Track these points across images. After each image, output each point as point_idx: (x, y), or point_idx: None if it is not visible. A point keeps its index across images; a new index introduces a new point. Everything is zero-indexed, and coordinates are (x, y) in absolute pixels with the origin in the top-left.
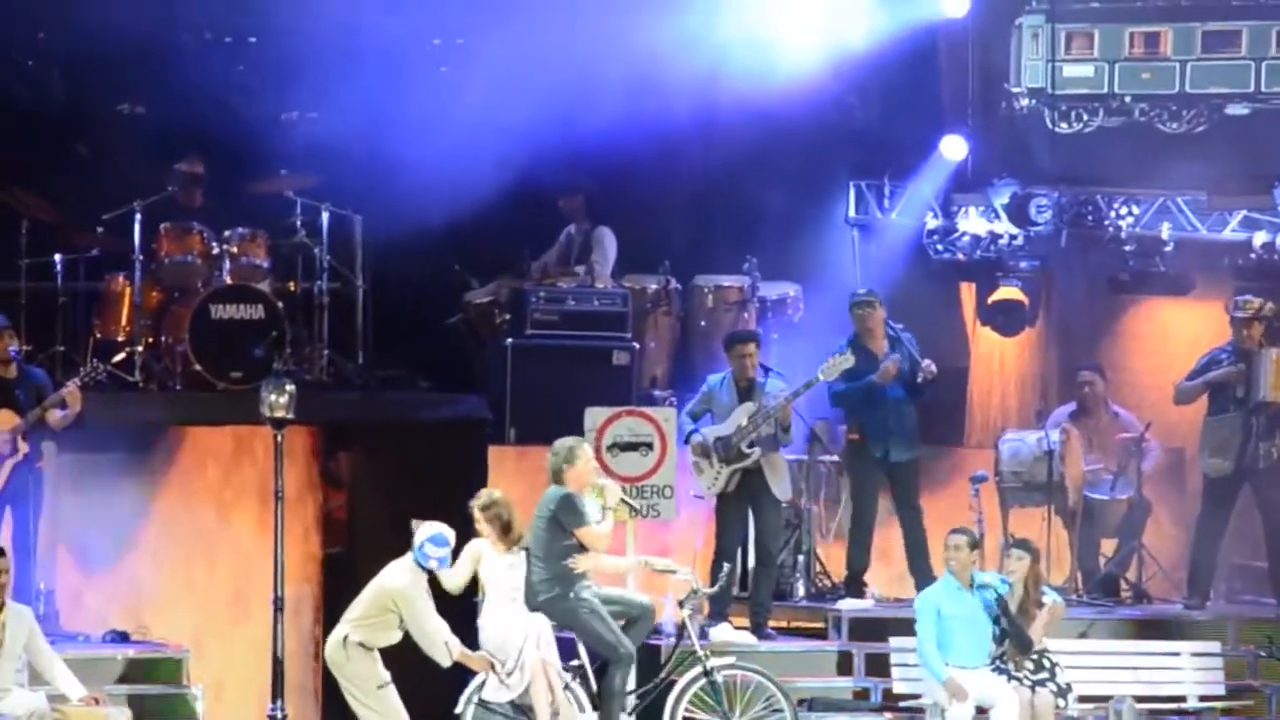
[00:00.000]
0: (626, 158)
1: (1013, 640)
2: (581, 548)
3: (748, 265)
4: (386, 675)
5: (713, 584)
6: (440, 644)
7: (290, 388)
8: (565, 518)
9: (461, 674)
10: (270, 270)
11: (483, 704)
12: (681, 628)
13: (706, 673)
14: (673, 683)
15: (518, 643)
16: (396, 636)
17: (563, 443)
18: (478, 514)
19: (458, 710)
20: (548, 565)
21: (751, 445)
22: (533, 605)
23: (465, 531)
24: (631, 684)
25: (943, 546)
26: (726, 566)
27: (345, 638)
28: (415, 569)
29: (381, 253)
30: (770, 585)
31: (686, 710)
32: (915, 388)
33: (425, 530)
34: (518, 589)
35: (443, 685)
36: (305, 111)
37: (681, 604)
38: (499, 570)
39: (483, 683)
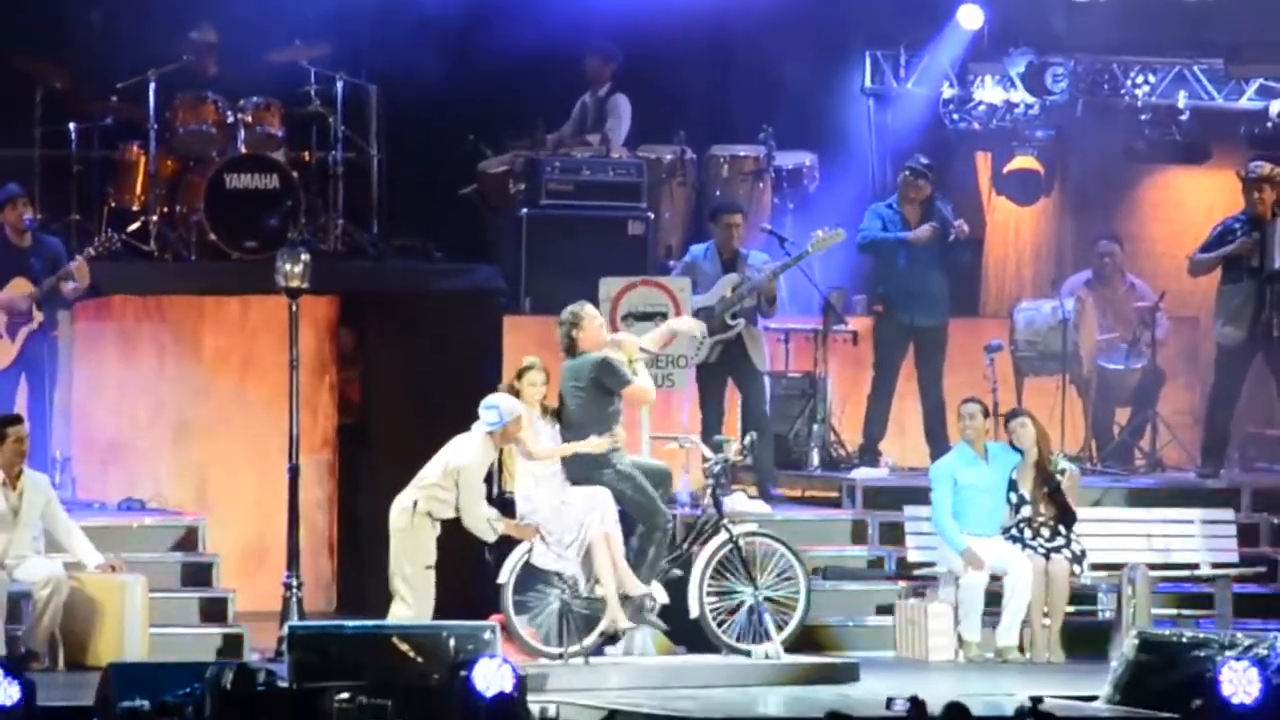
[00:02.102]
0: (643, 26)
1: (1061, 517)
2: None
3: (763, 135)
4: (434, 558)
5: (744, 454)
6: (484, 523)
7: (305, 257)
8: (610, 380)
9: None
10: (285, 140)
11: (529, 569)
12: (703, 496)
13: (732, 540)
14: (694, 553)
15: (579, 517)
16: (451, 512)
17: (571, 309)
18: (522, 380)
19: (501, 580)
20: (594, 434)
21: (735, 317)
22: (578, 478)
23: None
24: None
25: (957, 416)
26: (753, 435)
27: (415, 504)
28: (485, 441)
29: (396, 122)
30: (770, 451)
31: (710, 578)
32: (948, 251)
33: (489, 398)
34: (559, 460)
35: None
36: None
37: (707, 474)
38: (545, 440)
39: (529, 550)
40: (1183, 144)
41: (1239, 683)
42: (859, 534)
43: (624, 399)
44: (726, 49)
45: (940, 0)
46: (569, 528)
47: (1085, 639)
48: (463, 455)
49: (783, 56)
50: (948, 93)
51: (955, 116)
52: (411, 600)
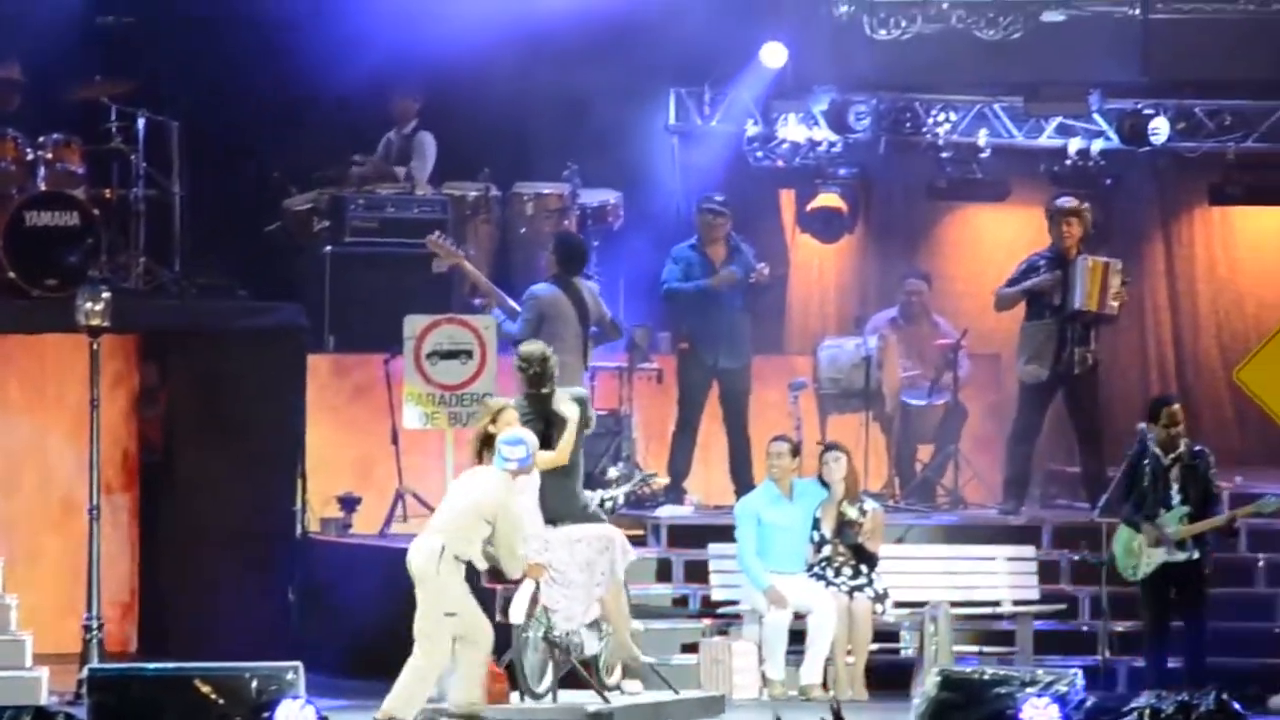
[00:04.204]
0: (448, 64)
1: (853, 554)
2: None
3: (568, 172)
4: (462, 601)
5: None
6: (520, 556)
7: (106, 295)
8: (587, 414)
9: None
10: (86, 177)
11: (551, 640)
12: None
13: None
14: None
15: (590, 556)
16: (478, 551)
17: (538, 348)
18: (499, 421)
19: (516, 620)
20: (579, 474)
21: None
22: (566, 516)
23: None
24: None
25: (764, 454)
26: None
27: (442, 548)
28: (505, 477)
29: (199, 159)
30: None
31: None
32: (750, 293)
33: (502, 435)
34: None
35: None
36: (121, 15)
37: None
38: (534, 481)
39: (535, 588)
40: (983, 182)
41: (1040, 719)
42: (664, 572)
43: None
44: (531, 87)
45: (744, 38)
46: (580, 565)
47: (888, 676)
48: (498, 495)
49: (587, 94)
50: (751, 130)
51: (759, 154)
52: (427, 649)
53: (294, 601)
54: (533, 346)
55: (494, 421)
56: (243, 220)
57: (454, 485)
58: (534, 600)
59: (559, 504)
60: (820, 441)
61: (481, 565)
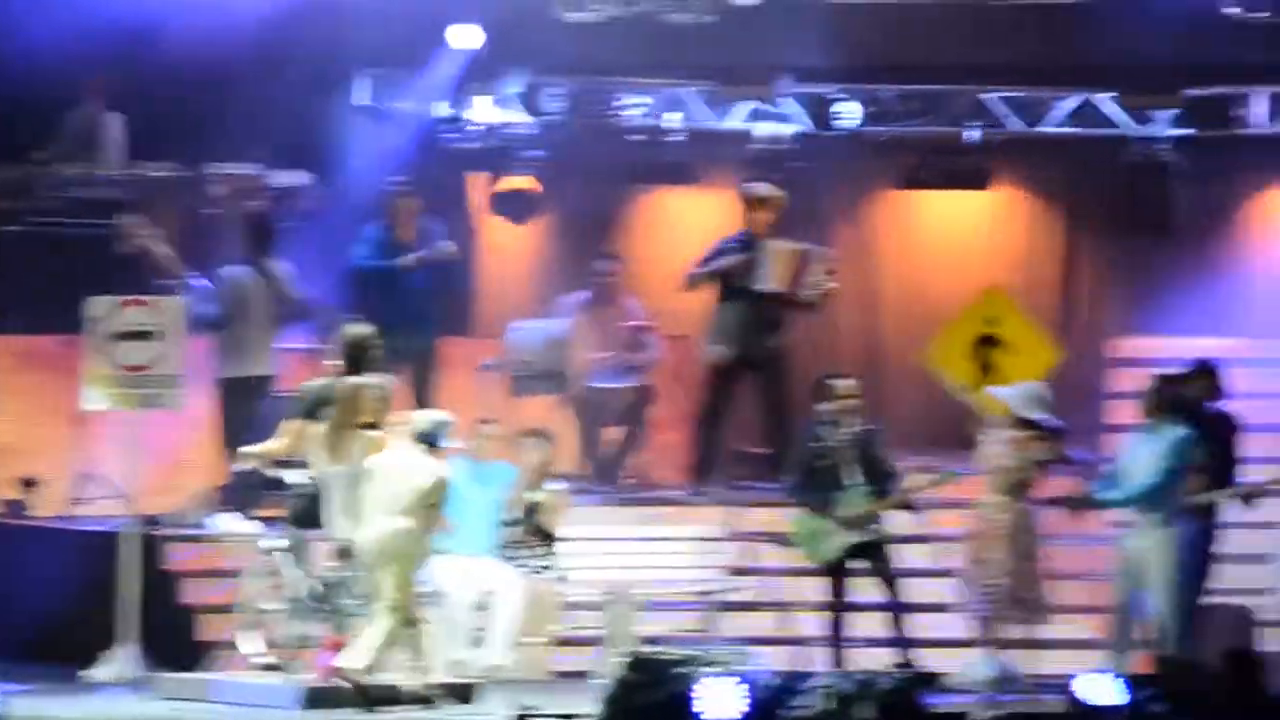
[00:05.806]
0: (135, 42)
1: (538, 536)
2: None
3: (257, 153)
4: None
5: None
6: None
7: None
8: None
9: None
10: None
11: None
12: None
13: None
14: None
15: None
16: None
17: (362, 330)
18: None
19: None
20: None
21: None
22: None
23: None
24: None
25: (473, 434)
26: None
27: (409, 529)
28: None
29: None
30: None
31: None
32: (438, 273)
33: (438, 416)
34: None
35: None
36: None
37: None
38: None
39: None
40: (675, 165)
41: (724, 699)
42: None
43: None
44: (221, 65)
45: (436, 18)
46: None
47: (573, 658)
48: (440, 471)
49: (277, 74)
50: (442, 112)
51: (450, 136)
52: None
53: None
54: (358, 329)
55: (355, 401)
56: None
57: (383, 468)
58: None
59: None
60: (535, 431)
61: None
